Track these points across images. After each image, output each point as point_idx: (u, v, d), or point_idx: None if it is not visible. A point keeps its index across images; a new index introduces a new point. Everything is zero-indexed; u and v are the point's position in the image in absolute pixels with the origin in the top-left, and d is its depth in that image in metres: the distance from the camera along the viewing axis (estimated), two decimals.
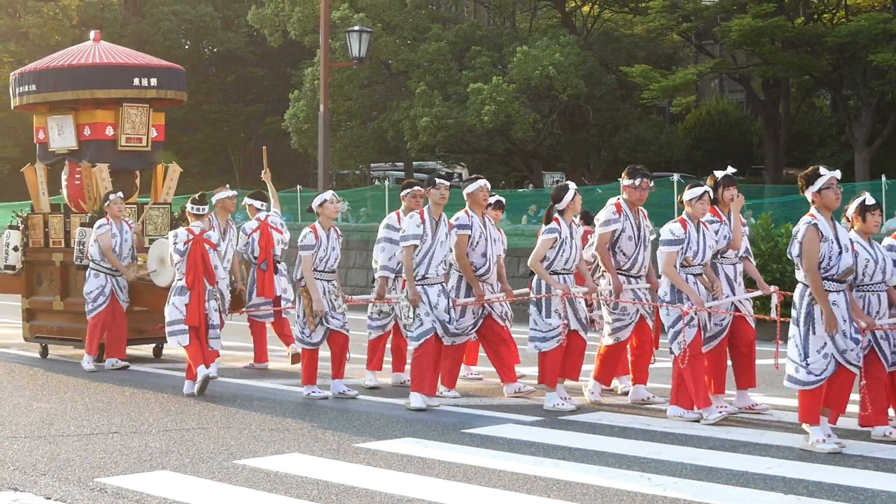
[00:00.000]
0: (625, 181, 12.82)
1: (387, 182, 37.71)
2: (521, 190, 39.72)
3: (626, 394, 13.25)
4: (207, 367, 13.53)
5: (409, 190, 14.00)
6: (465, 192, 13.27)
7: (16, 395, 13.65)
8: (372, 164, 46.90)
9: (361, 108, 40.87)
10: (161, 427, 11.45)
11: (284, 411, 12.45)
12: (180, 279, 13.63)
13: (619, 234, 12.65)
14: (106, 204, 16.11)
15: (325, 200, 13.34)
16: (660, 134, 40.44)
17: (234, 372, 15.32)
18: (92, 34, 18.36)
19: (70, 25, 48.60)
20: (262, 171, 17.23)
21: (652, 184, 12.99)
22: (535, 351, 12.55)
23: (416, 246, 12.31)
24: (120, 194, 16.26)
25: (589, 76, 37.13)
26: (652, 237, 12.89)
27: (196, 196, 14.27)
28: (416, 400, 12.32)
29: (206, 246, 13.73)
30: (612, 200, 12.83)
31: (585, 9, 43.38)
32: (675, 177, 25.51)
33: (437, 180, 12.59)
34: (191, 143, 51.58)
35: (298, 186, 34.94)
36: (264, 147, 18.21)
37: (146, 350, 17.78)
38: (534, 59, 35.33)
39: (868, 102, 34.74)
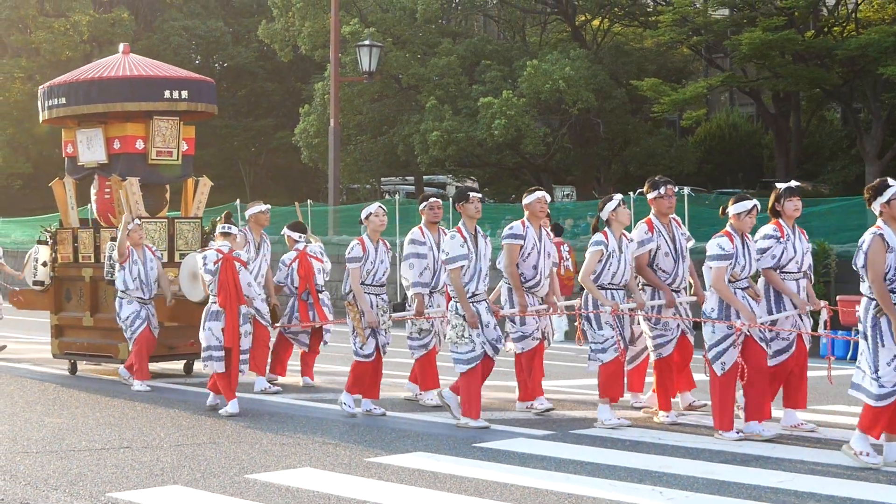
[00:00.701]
0: (650, 194, 12.63)
1: (397, 196, 37.71)
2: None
3: (638, 408, 13.23)
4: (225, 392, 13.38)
5: (426, 203, 13.83)
6: (522, 203, 13.07)
7: (27, 410, 13.66)
8: (382, 179, 46.88)
9: (372, 122, 40.87)
10: (172, 442, 11.46)
11: (296, 426, 12.45)
12: (214, 301, 13.49)
13: (656, 252, 12.50)
14: (125, 234, 15.76)
15: (372, 213, 13.12)
16: (670, 147, 40.38)
17: (248, 387, 15.30)
18: (121, 46, 18.10)
19: (81, 41, 48.67)
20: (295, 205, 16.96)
21: (677, 189, 12.74)
22: (595, 367, 12.29)
23: (463, 266, 12.04)
24: (138, 222, 15.95)
25: (599, 90, 37.10)
26: (690, 244, 12.72)
27: (223, 215, 14.14)
28: (472, 422, 12.10)
29: (237, 264, 13.55)
30: (643, 220, 12.68)
31: (595, 23, 43.35)
32: (686, 190, 25.47)
33: (471, 194, 12.35)
34: (201, 157, 51.35)
35: (309, 201, 34.93)
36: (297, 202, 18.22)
37: (177, 366, 17.57)
38: (544, 73, 35.32)
39: (878, 115, 34.68)
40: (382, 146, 40.63)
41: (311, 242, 16.11)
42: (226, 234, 13.77)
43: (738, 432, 11.32)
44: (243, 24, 52.74)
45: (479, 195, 12.45)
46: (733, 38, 34.51)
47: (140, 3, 52.62)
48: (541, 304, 13.08)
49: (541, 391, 13.15)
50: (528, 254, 12.87)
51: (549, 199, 13.20)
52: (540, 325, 13.05)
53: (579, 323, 12.63)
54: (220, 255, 13.47)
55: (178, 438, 11.66)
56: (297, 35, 40.48)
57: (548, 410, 13.03)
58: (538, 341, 13.03)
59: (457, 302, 12.08)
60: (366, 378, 13.07)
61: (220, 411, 13.28)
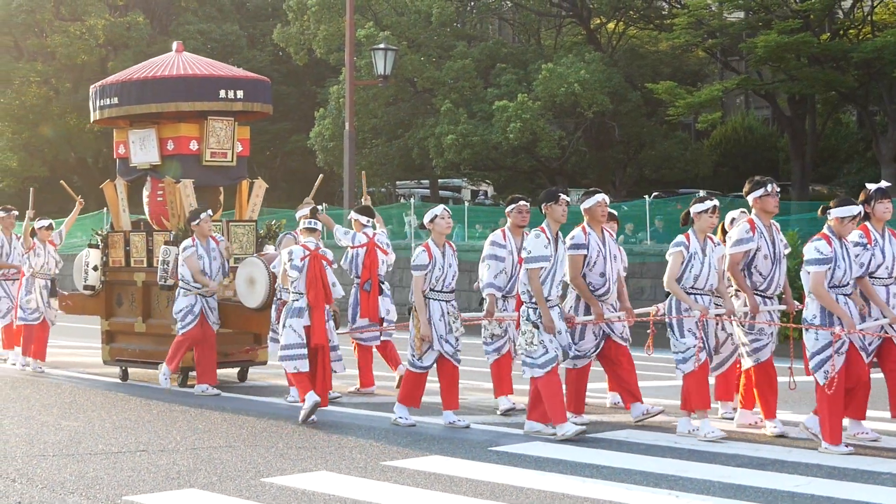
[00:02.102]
0: (755, 192, 11.94)
1: (412, 200, 37.73)
2: None
3: (615, 406, 13.19)
4: (318, 392, 12.82)
5: (514, 205, 13.35)
6: (581, 208, 12.63)
7: (44, 413, 13.68)
8: (397, 182, 46.94)
9: (387, 125, 40.92)
10: (189, 445, 11.46)
11: (312, 429, 12.44)
12: (297, 299, 12.97)
13: (755, 253, 11.85)
14: (195, 223, 15.33)
15: (437, 216, 12.54)
16: (685, 150, 40.37)
17: (265, 391, 15.25)
18: (174, 44, 17.68)
19: (96, 45, 48.77)
20: (363, 197, 16.52)
21: (779, 189, 12.09)
22: (679, 374, 11.78)
23: (542, 268, 11.61)
24: (209, 212, 15.61)
25: (614, 93, 37.12)
26: (787, 251, 12.15)
27: (308, 211, 13.76)
28: (568, 428, 11.56)
29: (323, 262, 13.04)
30: (744, 217, 12.13)
31: (610, 26, 43.37)
32: (701, 193, 25.38)
33: (561, 195, 11.86)
34: None
35: (325, 204, 34.98)
36: (321, 175, 17.69)
37: (231, 373, 17.01)
38: (559, 77, 35.35)
39: (894, 118, 34.62)
40: (397, 149, 40.69)
41: (376, 229, 15.48)
42: (311, 230, 13.28)
43: (846, 446, 10.85)
44: (258, 28, 52.82)
45: (569, 199, 12.00)
46: (749, 41, 34.50)
47: (155, 6, 52.70)
48: (612, 310, 12.62)
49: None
50: (594, 262, 12.46)
51: (607, 200, 12.75)
52: (616, 334, 12.63)
53: (652, 330, 12.33)
54: (308, 252, 12.98)
55: (194, 442, 11.67)
56: (312, 38, 40.58)
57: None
58: (590, 360, 12.65)
59: (528, 307, 11.69)
60: (418, 389, 12.68)
61: (292, 403, 13.22)
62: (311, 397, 12.66)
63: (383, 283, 15.21)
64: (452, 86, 38.50)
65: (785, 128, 40.04)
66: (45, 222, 18.36)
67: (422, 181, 47.54)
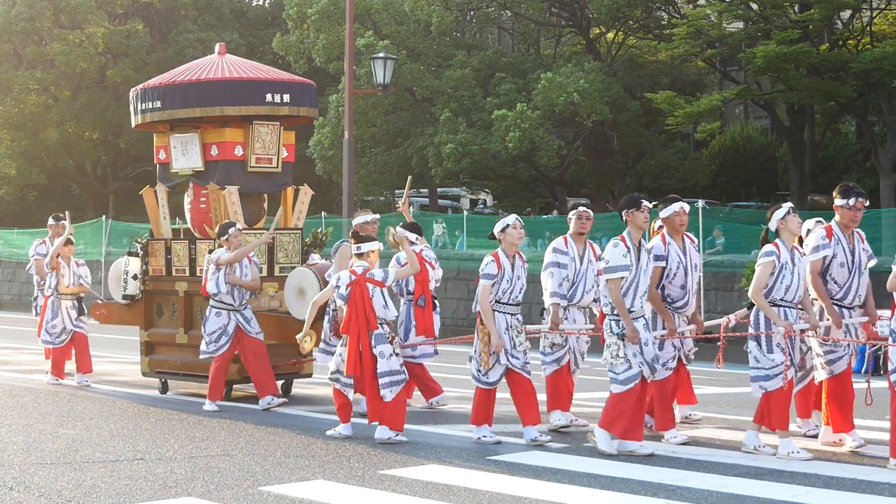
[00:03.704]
0: (838, 201, 11.65)
1: (411, 209, 37.71)
2: (545, 217, 39.69)
3: (812, 436, 12.21)
4: (371, 421, 12.32)
5: (574, 212, 13.00)
6: (661, 217, 12.23)
7: (41, 421, 13.67)
8: (396, 191, 46.91)
9: (386, 134, 40.91)
10: (186, 453, 11.46)
11: (310, 437, 12.43)
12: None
13: (830, 261, 11.57)
14: (224, 238, 14.74)
15: (508, 225, 12.01)
16: (684, 160, 40.36)
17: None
18: (217, 47, 17.05)
19: (96, 53, 48.77)
20: (401, 202, 16.04)
21: (867, 203, 11.73)
22: (759, 393, 11.32)
23: (623, 278, 11.19)
24: (239, 226, 14.98)
25: (613, 102, 37.10)
26: (871, 263, 11.77)
27: (354, 233, 12.91)
28: (603, 442, 11.28)
29: (370, 286, 12.30)
30: (820, 227, 11.83)
31: (610, 35, 43.36)
32: (700, 203, 25.46)
33: (643, 202, 11.43)
34: None
35: (323, 213, 34.95)
36: (410, 176, 16.72)
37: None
38: (558, 86, 35.34)
39: (893, 128, 34.59)
40: (397, 158, 40.68)
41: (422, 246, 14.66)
42: (360, 255, 12.55)
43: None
44: (258, 37, 52.81)
45: (650, 205, 11.54)
46: (748, 51, 34.49)
47: (155, 15, 52.72)
48: (687, 324, 12.25)
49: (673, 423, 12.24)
50: (674, 273, 12.07)
51: (686, 208, 12.32)
52: (684, 350, 12.32)
53: (722, 343, 12.09)
54: (353, 278, 12.33)
55: (192, 450, 11.66)
56: (312, 47, 40.55)
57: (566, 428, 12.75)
58: (671, 371, 12.06)
59: (611, 320, 11.27)
60: (489, 406, 12.10)
61: (328, 432, 12.55)
62: (346, 429, 12.45)
63: (435, 299, 14.62)
64: (452, 95, 38.49)
65: (784, 138, 40.05)
66: (61, 239, 17.53)
67: (421, 190, 47.53)
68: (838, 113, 39.06)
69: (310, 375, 16.47)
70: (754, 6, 34.86)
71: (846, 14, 36.53)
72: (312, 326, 13.42)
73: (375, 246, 12.66)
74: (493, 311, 11.90)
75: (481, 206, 50.84)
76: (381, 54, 32.17)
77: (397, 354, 12.40)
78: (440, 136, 36.87)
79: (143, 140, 48.24)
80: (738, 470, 10.50)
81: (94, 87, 50.18)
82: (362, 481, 10.07)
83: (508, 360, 11.89)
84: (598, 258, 12.43)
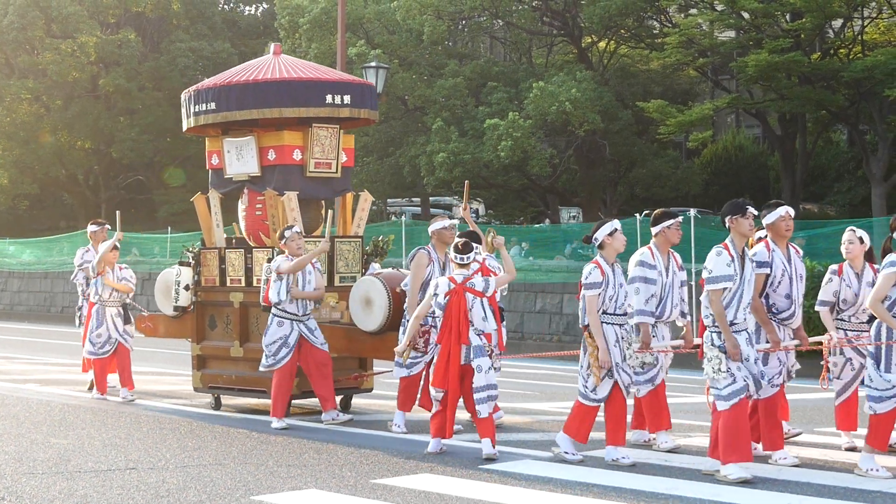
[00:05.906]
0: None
1: (403, 218, 37.72)
2: (537, 225, 39.74)
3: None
4: (449, 435, 11.88)
5: (671, 221, 12.16)
6: (764, 223, 11.56)
7: (33, 430, 13.65)
8: (388, 200, 46.95)
9: (378, 143, 40.96)
10: (178, 463, 11.44)
11: (302, 447, 12.42)
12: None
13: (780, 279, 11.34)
14: (283, 241, 14.02)
15: (616, 230, 11.46)
16: (676, 169, 40.41)
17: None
18: (272, 46, 16.18)
19: (88, 62, 48.81)
20: (461, 207, 14.95)
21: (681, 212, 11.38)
22: (869, 412, 10.68)
23: (726, 288, 10.53)
24: (297, 229, 14.18)
25: (605, 112, 37.15)
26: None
27: (459, 243, 11.97)
28: (733, 471, 10.36)
29: (470, 296, 11.72)
30: None
31: (602, 45, 43.41)
32: (692, 212, 25.45)
33: (748, 208, 10.72)
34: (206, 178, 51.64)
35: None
36: (467, 182, 16.34)
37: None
38: (550, 95, 35.38)
39: (885, 137, 34.69)
40: (389, 167, 40.73)
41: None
42: (462, 265, 11.87)
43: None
44: (250, 46, 52.83)
45: (755, 212, 10.83)
46: (739, 60, 34.55)
47: (147, 24, 52.73)
48: (791, 338, 11.68)
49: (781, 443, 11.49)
50: (779, 282, 11.45)
51: (792, 213, 11.63)
52: (787, 364, 11.67)
53: (826, 360, 11.77)
54: (453, 286, 11.75)
55: (184, 460, 11.64)
56: (304, 56, 40.55)
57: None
58: (777, 388, 11.44)
59: (712, 332, 10.61)
60: (588, 423, 11.53)
61: (427, 450, 11.97)
62: (434, 444, 11.91)
63: (503, 311, 13.75)
64: (444, 104, 38.53)
65: (775, 146, 40.12)
66: (110, 243, 16.83)
67: (413, 199, 47.56)
68: (830, 122, 39.15)
69: (370, 390, 15.83)
70: (746, 15, 34.94)
71: (838, 23, 36.61)
72: (383, 339, 13.03)
73: (482, 256, 12.14)
74: (602, 322, 11.35)
75: (473, 215, 50.88)
76: (373, 63, 32.17)
77: (497, 369, 12.02)
78: (432, 145, 36.90)
79: (134, 149, 48.39)
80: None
81: (86, 97, 50.19)
82: (354, 490, 10.06)
83: (618, 374, 11.34)
84: (681, 268, 12.20)
